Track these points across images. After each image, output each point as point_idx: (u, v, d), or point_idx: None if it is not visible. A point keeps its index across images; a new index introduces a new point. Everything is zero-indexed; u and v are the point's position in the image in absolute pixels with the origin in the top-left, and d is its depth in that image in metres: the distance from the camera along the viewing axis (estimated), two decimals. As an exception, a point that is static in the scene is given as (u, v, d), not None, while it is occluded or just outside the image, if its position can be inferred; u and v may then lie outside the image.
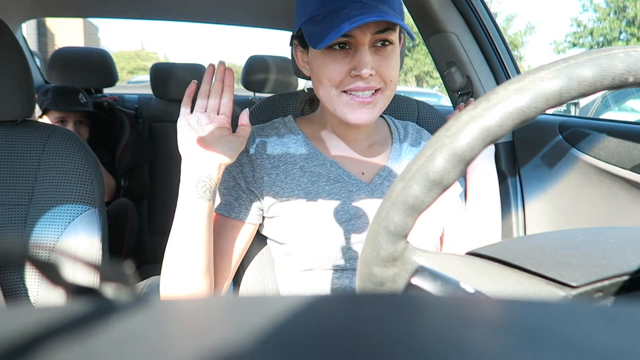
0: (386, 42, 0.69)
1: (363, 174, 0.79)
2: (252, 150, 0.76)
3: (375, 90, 0.70)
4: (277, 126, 0.81)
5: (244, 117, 0.71)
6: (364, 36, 0.67)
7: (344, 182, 0.76)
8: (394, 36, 0.70)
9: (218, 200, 0.74)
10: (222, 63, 0.69)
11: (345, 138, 0.80)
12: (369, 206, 0.75)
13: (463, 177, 0.95)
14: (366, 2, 0.66)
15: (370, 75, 0.68)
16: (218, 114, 0.69)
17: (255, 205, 0.76)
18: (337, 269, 0.74)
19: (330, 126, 0.80)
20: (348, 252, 0.73)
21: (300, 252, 0.74)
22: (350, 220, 0.74)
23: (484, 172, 0.92)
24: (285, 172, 0.75)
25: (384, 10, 0.65)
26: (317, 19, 0.68)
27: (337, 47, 0.69)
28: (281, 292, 0.81)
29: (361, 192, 0.76)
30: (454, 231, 0.85)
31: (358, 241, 0.73)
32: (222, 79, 0.69)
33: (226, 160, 0.67)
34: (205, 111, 0.68)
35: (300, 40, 0.76)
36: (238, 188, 0.75)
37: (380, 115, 0.89)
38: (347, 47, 0.69)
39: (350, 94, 0.70)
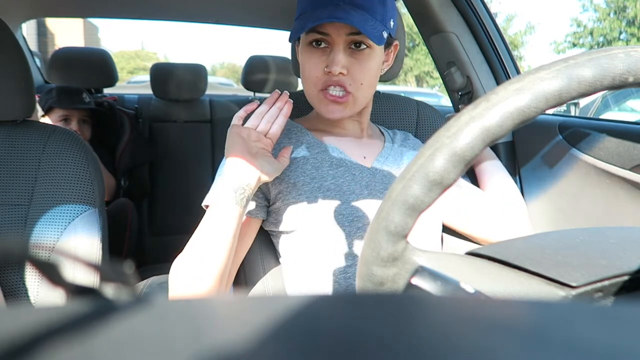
0: (362, 46, 0.73)
1: (365, 158, 0.83)
2: None
3: (347, 93, 0.74)
4: None
5: (287, 151, 0.75)
6: (338, 36, 0.72)
7: (346, 166, 0.79)
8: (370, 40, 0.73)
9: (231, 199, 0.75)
10: (286, 93, 0.75)
11: (341, 128, 0.84)
12: (373, 189, 0.79)
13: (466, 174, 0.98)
14: (342, 5, 0.70)
15: (341, 74, 0.72)
16: (265, 136, 0.73)
17: (261, 198, 0.77)
18: (345, 255, 0.75)
19: (325, 121, 0.84)
20: (357, 235, 0.75)
21: (310, 237, 0.75)
22: (356, 203, 0.76)
23: (485, 158, 0.98)
24: (289, 161, 0.77)
25: (353, 15, 0.69)
26: (300, 17, 0.74)
27: (315, 44, 0.74)
28: (287, 283, 0.81)
29: (364, 175, 0.79)
30: (476, 219, 0.89)
31: (365, 225, 0.76)
32: (280, 107, 0.74)
33: (265, 177, 0.70)
34: (256, 130, 0.73)
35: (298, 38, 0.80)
36: None
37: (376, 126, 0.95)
38: (324, 45, 0.74)
39: (324, 90, 0.74)
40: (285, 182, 0.76)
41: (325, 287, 0.75)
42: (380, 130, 0.92)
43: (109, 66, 2.02)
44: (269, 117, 0.73)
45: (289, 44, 0.97)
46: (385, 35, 0.73)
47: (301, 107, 0.96)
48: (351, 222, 0.75)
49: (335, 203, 0.75)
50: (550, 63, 0.32)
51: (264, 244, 0.84)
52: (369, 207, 0.77)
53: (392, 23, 0.75)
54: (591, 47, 15.75)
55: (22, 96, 0.88)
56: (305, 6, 0.73)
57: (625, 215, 0.98)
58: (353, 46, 0.73)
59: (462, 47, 1.25)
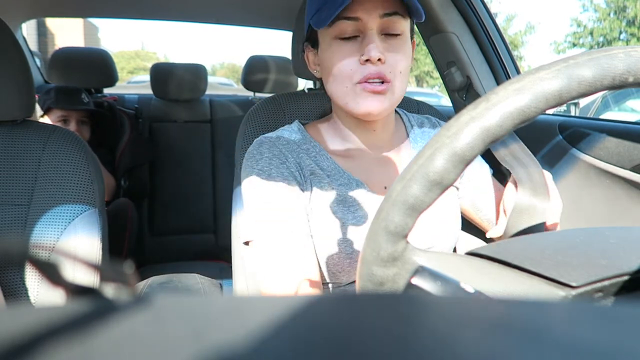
0: (397, 30, 0.67)
1: (385, 188, 0.75)
2: (290, 158, 0.72)
3: (387, 82, 0.67)
4: (291, 133, 0.77)
5: None
6: (371, 18, 0.65)
7: (370, 200, 0.72)
8: (404, 24, 0.67)
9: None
10: None
11: (362, 142, 0.76)
12: None
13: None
14: None
15: (379, 60, 0.65)
16: None
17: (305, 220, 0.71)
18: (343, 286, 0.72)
19: (345, 127, 0.76)
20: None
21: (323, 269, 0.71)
22: None
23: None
24: (312, 185, 0.72)
25: None
26: (320, 11, 0.67)
27: (345, 36, 0.67)
28: None
29: None
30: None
31: None
32: None
33: None
34: None
35: (310, 40, 0.74)
36: (296, 198, 0.70)
37: (396, 112, 0.85)
38: (355, 37, 0.67)
39: (363, 83, 0.67)
40: (312, 210, 0.70)
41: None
42: (406, 130, 0.83)
43: (109, 66, 2.02)
44: None
45: (289, 44, 0.97)
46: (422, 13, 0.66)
47: (306, 108, 0.96)
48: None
49: (352, 240, 0.70)
50: (550, 63, 0.32)
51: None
52: None
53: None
54: (591, 47, 15.75)
55: (22, 96, 0.88)
56: (320, 2, 0.67)
57: (625, 215, 0.98)
58: (387, 32, 0.67)
59: (462, 47, 1.25)
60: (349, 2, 0.62)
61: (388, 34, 0.67)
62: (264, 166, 0.70)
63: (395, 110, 0.86)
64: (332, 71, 0.69)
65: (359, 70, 0.66)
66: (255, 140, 0.75)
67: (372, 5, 0.65)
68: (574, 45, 16.56)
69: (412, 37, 0.74)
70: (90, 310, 0.17)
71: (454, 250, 0.88)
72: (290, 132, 0.77)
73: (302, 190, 0.70)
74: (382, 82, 0.66)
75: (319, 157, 0.74)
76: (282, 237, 0.66)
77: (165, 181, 2.12)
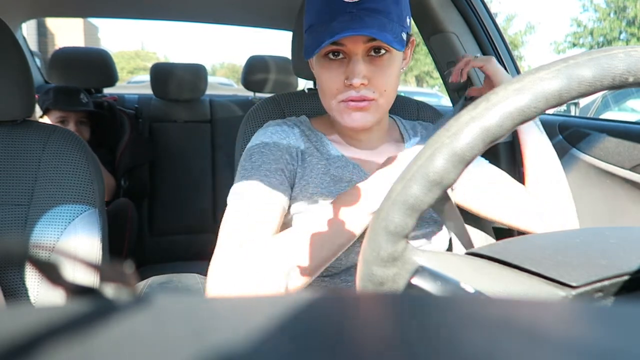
0: (381, 51, 0.69)
1: None
2: (287, 140, 0.76)
3: (370, 100, 0.71)
4: (297, 123, 0.82)
5: None
6: (355, 46, 0.68)
7: None
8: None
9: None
10: None
11: (358, 139, 0.81)
12: None
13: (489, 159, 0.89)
14: (356, 13, 0.66)
15: (362, 84, 0.69)
16: None
17: (289, 194, 0.74)
18: (348, 276, 0.73)
19: (341, 129, 0.81)
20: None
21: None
22: None
23: (535, 140, 0.84)
24: (311, 167, 0.76)
25: (368, 23, 0.65)
26: (311, 30, 0.70)
27: (331, 56, 0.70)
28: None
29: None
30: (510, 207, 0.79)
31: None
32: None
33: None
34: None
35: None
36: (282, 173, 0.73)
37: (390, 116, 0.89)
38: (341, 56, 0.70)
39: (347, 102, 0.71)
40: (305, 189, 0.73)
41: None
42: (400, 130, 0.87)
43: (109, 66, 2.02)
44: None
45: (289, 44, 0.97)
46: (404, 36, 0.69)
47: (306, 108, 0.96)
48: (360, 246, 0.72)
49: None
50: (550, 63, 0.32)
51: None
52: None
53: (408, 20, 0.72)
54: (591, 47, 15.75)
55: (22, 96, 0.88)
56: (313, 18, 0.70)
57: (625, 215, 0.98)
58: (372, 53, 0.70)
59: (462, 47, 1.25)
60: (329, 42, 0.65)
61: (375, 54, 0.70)
62: (268, 137, 0.76)
63: (390, 116, 0.90)
64: (322, 88, 0.74)
65: (343, 91, 0.71)
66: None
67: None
68: (574, 45, 16.56)
69: (409, 37, 0.76)
70: (90, 310, 0.17)
71: (452, 250, 0.89)
72: (296, 120, 0.83)
73: (294, 165, 0.75)
74: (366, 101, 0.70)
75: (319, 143, 0.79)
76: (260, 196, 0.69)
77: (165, 181, 2.12)
